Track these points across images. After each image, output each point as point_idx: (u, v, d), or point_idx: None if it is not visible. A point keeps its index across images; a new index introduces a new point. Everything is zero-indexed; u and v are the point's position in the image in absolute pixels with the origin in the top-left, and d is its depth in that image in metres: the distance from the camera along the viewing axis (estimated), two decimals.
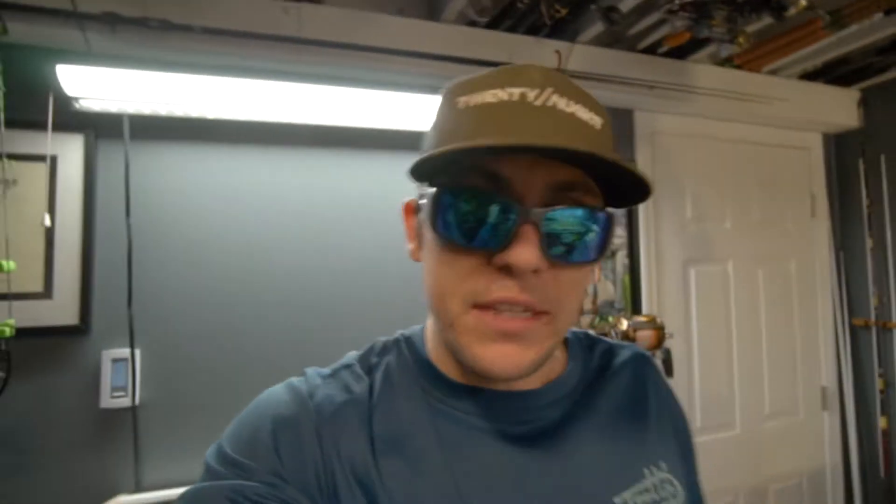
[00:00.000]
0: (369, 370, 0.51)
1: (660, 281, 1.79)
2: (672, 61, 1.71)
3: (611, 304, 1.71)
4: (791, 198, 2.05)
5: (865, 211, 1.99)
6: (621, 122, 1.77)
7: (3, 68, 1.07)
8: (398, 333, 0.56)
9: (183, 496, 0.42)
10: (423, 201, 0.47)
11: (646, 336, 1.52)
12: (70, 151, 1.24)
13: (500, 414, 0.49)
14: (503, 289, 0.42)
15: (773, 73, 1.88)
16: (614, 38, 1.64)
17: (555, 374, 0.53)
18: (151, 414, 1.26)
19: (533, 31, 1.51)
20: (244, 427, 0.46)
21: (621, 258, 1.73)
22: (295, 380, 0.50)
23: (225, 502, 0.40)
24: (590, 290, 1.68)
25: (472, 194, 0.42)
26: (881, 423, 1.92)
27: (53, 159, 1.22)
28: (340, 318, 1.42)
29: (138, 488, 1.22)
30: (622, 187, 0.45)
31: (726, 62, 1.80)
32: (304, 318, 1.39)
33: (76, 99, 1.17)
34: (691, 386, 1.83)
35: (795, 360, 2.02)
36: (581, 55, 1.57)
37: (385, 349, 0.54)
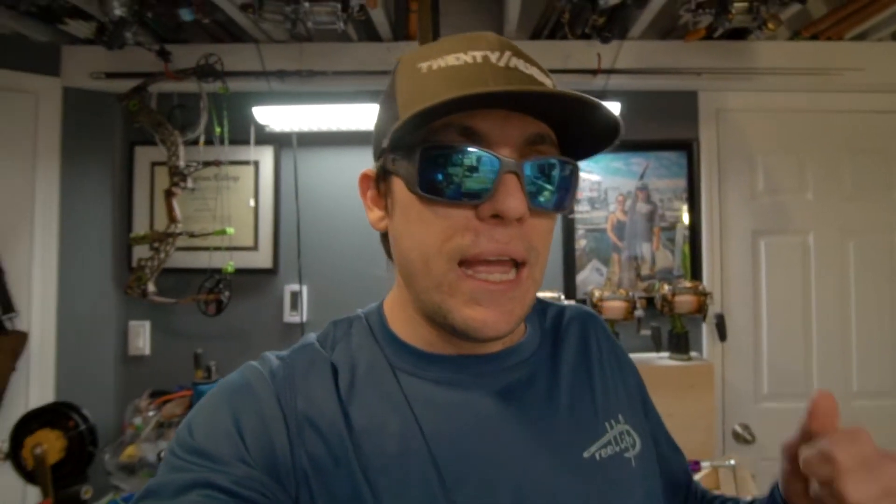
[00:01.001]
0: (331, 347, 0.52)
1: (724, 251, 1.92)
2: (729, 43, 1.81)
3: (669, 271, 1.92)
4: None
5: None
6: (685, 102, 1.92)
7: (227, 110, 1.79)
8: (357, 311, 0.57)
9: (147, 488, 0.41)
10: (394, 166, 0.47)
11: (685, 301, 1.71)
12: (265, 157, 1.95)
13: (468, 379, 0.50)
14: (490, 241, 0.44)
15: (862, 37, 1.83)
16: (666, 30, 1.82)
17: (516, 338, 0.55)
18: (314, 326, 1.94)
19: (584, 37, 1.79)
20: (205, 413, 0.46)
21: (681, 229, 1.92)
22: (252, 363, 0.50)
23: (190, 495, 0.39)
24: (648, 257, 1.91)
25: (453, 149, 0.43)
26: None
27: (256, 163, 1.94)
28: None
29: None
30: (582, 140, 0.48)
31: (795, 35, 1.83)
32: None
33: (266, 126, 1.86)
34: (758, 354, 1.93)
35: None
36: (632, 51, 1.79)
37: (345, 326, 0.55)
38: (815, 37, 1.85)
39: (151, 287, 1.71)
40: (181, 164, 1.75)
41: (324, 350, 0.51)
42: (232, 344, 1.90)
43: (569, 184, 0.48)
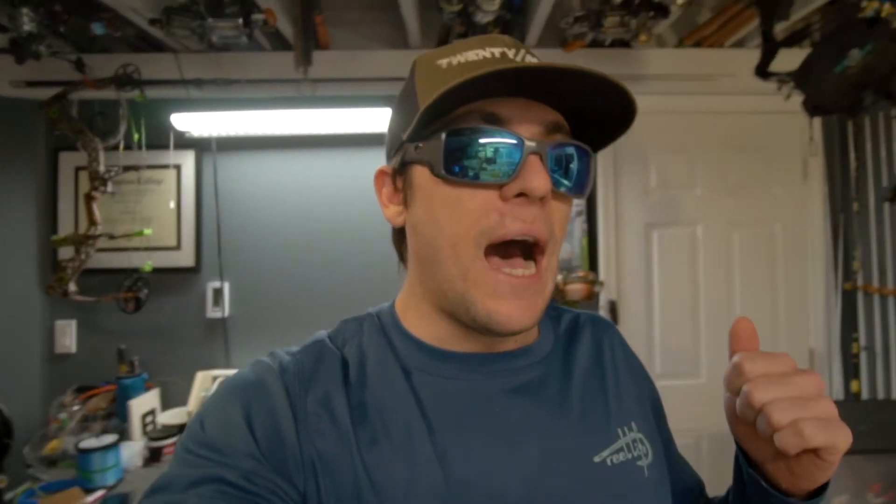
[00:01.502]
0: (341, 344, 0.52)
1: (619, 243, 2.08)
2: (621, 50, 1.97)
3: (569, 262, 2.07)
4: (780, 162, 2.12)
5: (853, 174, 2.00)
6: None
7: (144, 116, 1.88)
8: (368, 310, 0.57)
9: (158, 481, 0.42)
10: (416, 154, 0.48)
11: (575, 289, 1.87)
12: (187, 161, 2.04)
13: (479, 377, 0.50)
14: (515, 220, 0.45)
15: (741, 44, 2.00)
16: (564, 40, 1.97)
17: (530, 339, 0.55)
18: (235, 321, 2.04)
19: None
20: (216, 408, 0.46)
21: (580, 223, 2.08)
22: (263, 358, 0.51)
23: (200, 489, 0.40)
24: None
25: (479, 131, 0.45)
26: (853, 386, 1.97)
27: (178, 167, 2.03)
28: (360, 271, 2.04)
29: (227, 365, 2.02)
30: (591, 129, 0.50)
31: (681, 43, 2.00)
32: (335, 269, 2.04)
33: (186, 131, 1.95)
34: (650, 336, 2.10)
35: (778, 321, 2.12)
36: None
37: (356, 324, 0.55)
38: (698, 44, 2.03)
39: (73, 287, 1.79)
40: (101, 169, 1.83)
41: (334, 347, 0.52)
42: (157, 339, 1.99)
43: (586, 170, 0.49)
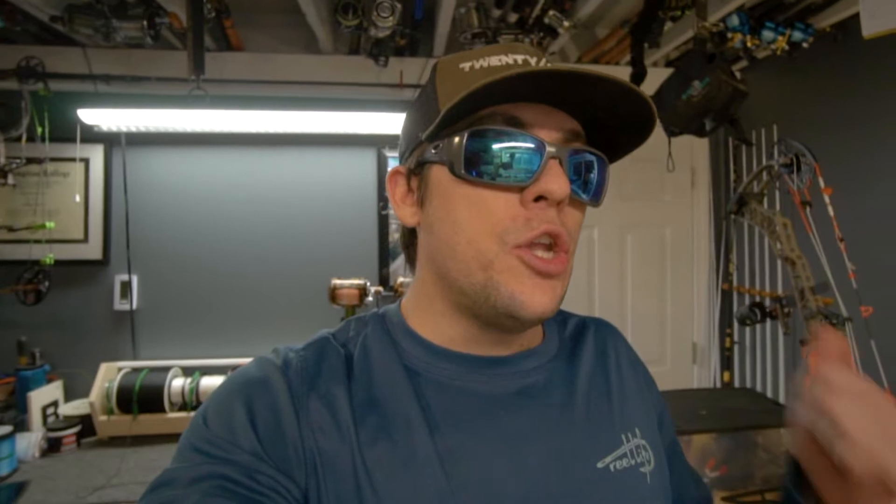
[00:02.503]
0: (345, 342, 0.52)
1: None
2: None
3: None
4: (671, 172, 2.30)
5: (732, 185, 2.20)
6: None
7: (49, 109, 1.88)
8: (374, 309, 0.57)
9: (161, 477, 0.42)
10: (436, 153, 0.48)
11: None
12: (96, 155, 2.04)
13: (483, 378, 0.50)
14: (545, 221, 0.45)
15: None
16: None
17: (535, 342, 0.55)
18: (143, 314, 2.06)
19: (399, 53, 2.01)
20: (218, 405, 0.46)
21: None
22: (266, 355, 0.50)
23: (203, 486, 0.40)
24: None
25: (501, 133, 0.45)
26: (725, 376, 2.17)
27: (86, 161, 2.03)
28: (270, 264, 2.10)
29: (134, 357, 2.04)
30: (607, 141, 0.50)
31: (579, 59, 2.14)
32: (244, 262, 2.09)
33: (95, 126, 1.95)
34: None
35: (665, 317, 2.31)
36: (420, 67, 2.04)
37: (361, 323, 0.55)
38: (596, 60, 2.17)
39: None
40: (2, 160, 1.82)
41: (338, 345, 0.52)
42: (62, 331, 2.00)
43: (602, 179, 0.50)
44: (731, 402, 1.63)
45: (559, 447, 0.49)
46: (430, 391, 0.49)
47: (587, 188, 0.49)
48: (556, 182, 0.44)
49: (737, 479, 1.53)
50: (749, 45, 1.77)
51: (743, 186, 1.61)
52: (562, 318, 0.62)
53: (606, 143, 0.51)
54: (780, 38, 1.75)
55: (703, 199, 2.32)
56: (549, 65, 0.48)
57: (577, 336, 0.60)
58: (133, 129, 1.99)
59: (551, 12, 1.71)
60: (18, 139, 1.86)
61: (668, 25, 1.78)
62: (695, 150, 2.32)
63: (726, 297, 2.27)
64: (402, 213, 0.54)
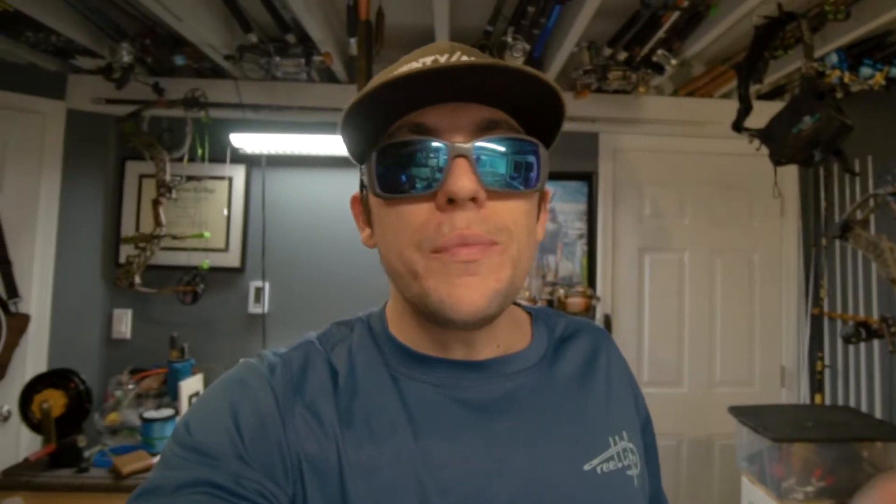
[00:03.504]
0: (330, 347, 0.52)
1: (615, 264, 2.36)
2: (620, 97, 2.26)
3: (570, 278, 2.34)
4: (760, 199, 2.40)
5: (823, 213, 2.29)
6: (589, 142, 2.37)
7: (209, 134, 2.16)
8: (358, 314, 0.57)
9: (145, 485, 0.41)
10: (363, 177, 0.49)
11: (575, 302, 2.14)
12: (238, 174, 2.31)
13: (468, 383, 0.50)
14: (453, 227, 0.44)
15: (728, 95, 2.30)
16: (572, 86, 2.26)
17: (520, 346, 0.54)
18: (272, 317, 2.29)
19: None
20: (202, 411, 0.46)
21: (580, 244, 2.35)
22: (250, 359, 0.50)
23: (188, 493, 0.39)
24: (553, 266, 2.33)
25: (401, 144, 0.45)
26: (817, 399, 2.22)
27: (230, 179, 2.30)
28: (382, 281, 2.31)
29: None
30: (542, 123, 0.48)
31: (675, 92, 2.30)
32: (361, 277, 2.30)
33: (240, 148, 2.23)
34: (640, 347, 2.36)
35: (754, 340, 2.38)
36: None
37: (345, 328, 0.55)
38: (691, 93, 2.32)
39: (137, 279, 2.05)
40: (167, 178, 2.10)
41: (322, 349, 0.52)
42: (204, 330, 2.24)
43: (530, 161, 0.47)
44: (833, 417, 1.71)
45: (545, 450, 0.49)
46: (413, 397, 0.49)
47: (514, 175, 0.46)
48: (458, 182, 0.43)
49: (843, 491, 1.61)
50: (846, 80, 1.89)
51: (847, 213, 1.72)
52: (552, 320, 0.61)
53: (544, 129, 0.50)
54: (877, 74, 1.87)
55: (793, 226, 2.41)
56: (462, 60, 0.45)
57: (567, 338, 0.59)
58: (273, 152, 2.26)
59: (660, 51, 1.88)
60: (180, 159, 2.14)
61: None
62: (784, 179, 2.42)
63: (816, 321, 2.33)
64: (363, 236, 0.56)
